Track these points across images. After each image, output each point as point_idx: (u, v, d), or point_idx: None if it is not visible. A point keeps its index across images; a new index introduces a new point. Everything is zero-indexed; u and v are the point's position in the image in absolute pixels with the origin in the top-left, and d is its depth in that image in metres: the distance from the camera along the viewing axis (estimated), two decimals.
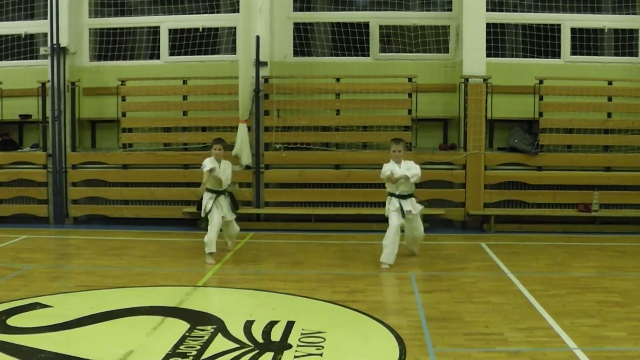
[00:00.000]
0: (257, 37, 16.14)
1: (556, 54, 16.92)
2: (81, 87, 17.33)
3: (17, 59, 17.85)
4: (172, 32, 17.52)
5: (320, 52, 17.51)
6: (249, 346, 7.88)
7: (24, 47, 17.84)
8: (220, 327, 8.59)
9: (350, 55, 17.26)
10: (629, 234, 15.26)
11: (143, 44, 17.86)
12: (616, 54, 16.95)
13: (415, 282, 10.99)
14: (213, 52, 17.45)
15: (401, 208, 11.90)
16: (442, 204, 15.71)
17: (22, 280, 11.22)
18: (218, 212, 12.49)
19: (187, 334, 8.33)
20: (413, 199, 12.17)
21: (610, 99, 16.16)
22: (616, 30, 16.94)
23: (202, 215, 12.62)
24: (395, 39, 17.19)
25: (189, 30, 17.41)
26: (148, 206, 16.41)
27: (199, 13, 17.44)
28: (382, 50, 17.25)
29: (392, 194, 12.07)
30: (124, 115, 16.82)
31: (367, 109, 16.31)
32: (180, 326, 8.68)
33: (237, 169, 16.15)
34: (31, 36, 17.87)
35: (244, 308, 9.73)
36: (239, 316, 9.08)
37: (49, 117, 16.73)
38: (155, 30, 17.69)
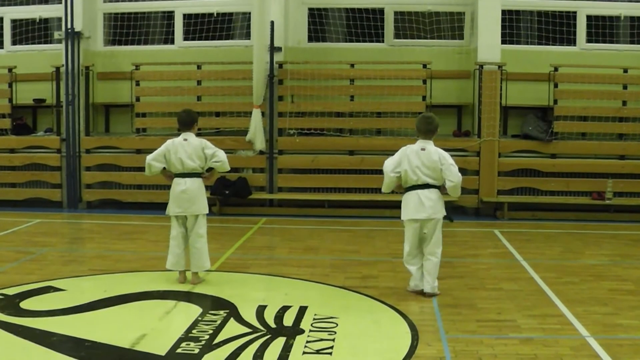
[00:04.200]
0: (272, 23, 16.11)
1: (571, 41, 16.80)
2: (95, 71, 17.35)
3: (32, 43, 17.87)
4: (187, 17, 17.50)
5: (334, 38, 17.46)
6: (262, 331, 7.90)
7: (39, 31, 17.85)
8: (233, 312, 8.62)
9: (364, 41, 17.20)
10: None
11: (157, 29, 17.84)
12: (632, 42, 16.82)
13: None
14: (227, 37, 17.42)
15: None
16: None
17: (35, 263, 11.27)
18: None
19: (199, 318, 8.37)
20: None
21: (625, 87, 16.09)
22: (632, 18, 16.82)
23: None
24: (410, 25, 17.12)
25: (204, 15, 17.38)
26: (162, 191, 16.32)
27: None
28: (397, 36, 17.19)
29: None
30: (137, 100, 16.85)
31: (381, 95, 16.28)
32: (193, 310, 8.71)
33: (251, 154, 16.18)
34: (45, 20, 17.88)
35: (256, 293, 9.76)
36: (252, 301, 9.10)
37: (63, 102, 16.76)
38: (169, 15, 17.66)
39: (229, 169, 10.30)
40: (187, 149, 9.90)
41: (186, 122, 10.10)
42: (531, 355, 7.24)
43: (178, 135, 10.12)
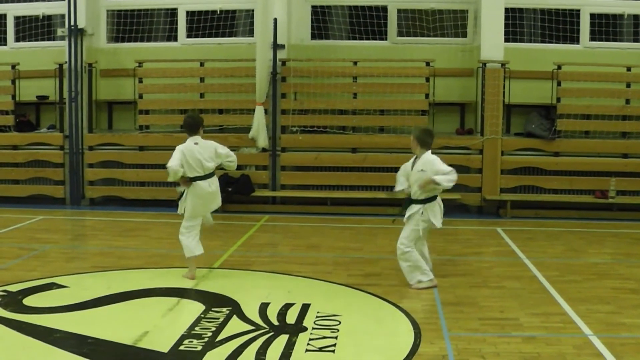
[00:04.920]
0: (275, 20, 16.12)
1: (575, 39, 16.79)
2: (98, 68, 17.36)
3: (35, 40, 17.88)
4: (190, 14, 17.50)
5: (337, 36, 17.44)
6: (264, 328, 7.91)
7: (42, 28, 17.85)
8: (236, 309, 8.62)
9: (367, 38, 17.19)
10: None
11: (160, 26, 17.85)
12: (635, 40, 16.81)
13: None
14: (230, 35, 17.42)
15: None
16: (458, 188, 15.54)
17: (38, 260, 11.28)
18: None
19: (202, 315, 8.37)
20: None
21: (628, 85, 16.05)
22: (636, 16, 16.80)
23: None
24: (413, 23, 17.10)
25: (207, 12, 17.38)
26: (164, 188, 16.40)
27: None
28: (400, 34, 17.17)
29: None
30: (140, 97, 16.84)
31: (384, 92, 16.27)
32: (196, 307, 8.73)
33: (254, 151, 16.19)
34: (49, 17, 17.88)
35: (259, 290, 9.76)
36: (255, 298, 9.11)
37: (66, 99, 16.76)
38: (172, 12, 17.66)
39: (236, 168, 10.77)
40: (202, 151, 9.99)
41: (192, 126, 10.18)
42: (534, 353, 7.24)
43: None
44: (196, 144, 10.01)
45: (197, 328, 7.89)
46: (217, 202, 10.37)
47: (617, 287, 9.91)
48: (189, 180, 10.00)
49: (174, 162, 9.90)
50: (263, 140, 16.08)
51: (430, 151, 9.90)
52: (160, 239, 13.16)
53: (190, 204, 10.09)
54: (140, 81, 16.81)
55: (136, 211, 16.02)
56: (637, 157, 15.84)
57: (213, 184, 10.15)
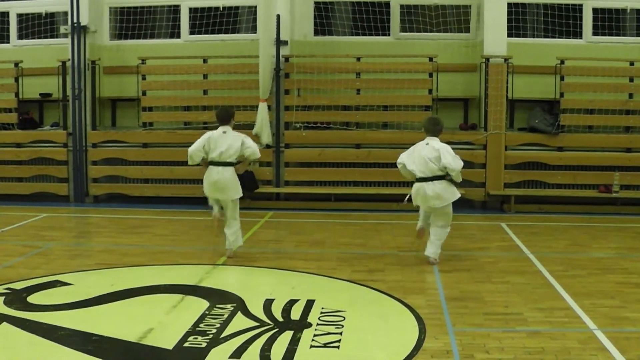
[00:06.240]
0: (278, 16, 16.11)
1: (578, 34, 16.78)
2: (101, 65, 17.36)
3: (38, 38, 17.89)
4: (193, 10, 17.50)
5: (340, 32, 17.41)
6: (269, 324, 7.90)
7: (45, 25, 17.87)
8: (240, 306, 8.61)
9: (370, 34, 17.19)
10: None
11: (163, 23, 17.84)
12: (638, 35, 16.79)
13: None
14: (233, 31, 17.42)
15: None
16: (462, 183, 15.46)
17: (42, 258, 11.28)
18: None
19: (206, 312, 8.37)
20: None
21: (631, 80, 16.05)
22: (638, 11, 16.77)
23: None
24: (416, 18, 17.09)
25: (210, 8, 17.38)
26: (168, 185, 16.44)
27: None
28: (403, 29, 17.16)
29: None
30: (144, 94, 16.85)
31: (387, 88, 16.26)
32: (200, 304, 8.71)
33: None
34: (52, 15, 17.90)
35: (263, 287, 9.76)
36: (259, 295, 9.10)
37: (69, 96, 16.77)
38: (175, 9, 17.66)
39: (260, 155, 11.37)
40: (225, 141, 10.85)
41: (223, 117, 11.08)
42: (538, 348, 7.23)
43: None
44: (224, 132, 10.90)
45: (201, 325, 7.89)
46: (225, 194, 10.94)
47: (622, 282, 9.90)
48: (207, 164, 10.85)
49: (192, 146, 10.86)
50: (267, 137, 16.08)
51: (434, 139, 10.66)
52: (164, 235, 13.15)
53: (204, 184, 11.00)
54: (144, 78, 16.83)
55: (140, 208, 16.03)
56: None
57: (220, 174, 10.80)
